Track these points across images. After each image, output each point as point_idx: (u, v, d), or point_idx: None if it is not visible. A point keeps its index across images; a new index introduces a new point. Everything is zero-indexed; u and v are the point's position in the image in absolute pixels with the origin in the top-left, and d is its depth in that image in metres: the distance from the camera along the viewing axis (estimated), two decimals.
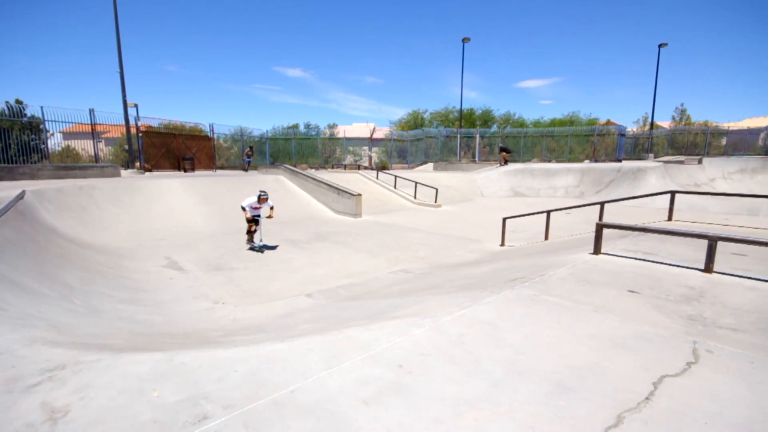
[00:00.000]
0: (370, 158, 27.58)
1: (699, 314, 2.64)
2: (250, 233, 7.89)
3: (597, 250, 4.24)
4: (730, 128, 29.09)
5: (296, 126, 31.05)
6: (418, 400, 1.71)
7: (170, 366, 2.00)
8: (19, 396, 1.71)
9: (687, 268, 3.67)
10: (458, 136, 27.20)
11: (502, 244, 8.67)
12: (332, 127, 31.33)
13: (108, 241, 8.18)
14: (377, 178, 17.37)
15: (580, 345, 2.23)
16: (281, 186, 14.25)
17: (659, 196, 8.11)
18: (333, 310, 4.33)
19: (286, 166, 15.77)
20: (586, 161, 23.72)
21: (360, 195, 12.51)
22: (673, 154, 24.71)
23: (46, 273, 4.30)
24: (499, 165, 20.74)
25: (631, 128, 31.75)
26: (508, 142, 26.27)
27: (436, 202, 14.86)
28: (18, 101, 14.31)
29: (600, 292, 3.13)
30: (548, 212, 8.17)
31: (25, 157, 13.09)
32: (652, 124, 27.55)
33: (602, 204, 7.36)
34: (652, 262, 3.91)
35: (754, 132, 27.48)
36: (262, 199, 7.58)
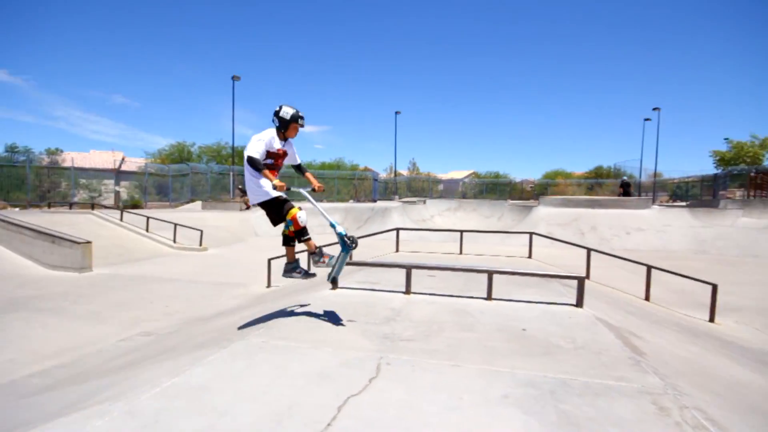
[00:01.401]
0: (117, 194, 22.62)
1: (392, 332, 3.27)
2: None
3: (335, 285, 4.75)
4: (443, 178, 40.03)
5: None
6: None
7: None
8: None
9: (396, 292, 4.58)
10: (231, 173, 26.07)
11: (269, 286, 8.58)
12: (54, 152, 24.07)
13: None
14: (122, 219, 14.29)
15: (290, 387, 2.32)
16: None
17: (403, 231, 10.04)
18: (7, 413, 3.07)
19: None
20: (351, 201, 27.19)
21: (89, 242, 9.91)
22: (410, 196, 31.70)
23: None
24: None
25: (383, 174, 39.08)
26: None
27: (201, 245, 13.44)
28: None
29: (326, 326, 3.46)
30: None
31: None
32: (395, 172, 34.87)
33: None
34: (373, 290, 4.68)
35: (456, 181, 38.72)
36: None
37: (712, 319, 6.28)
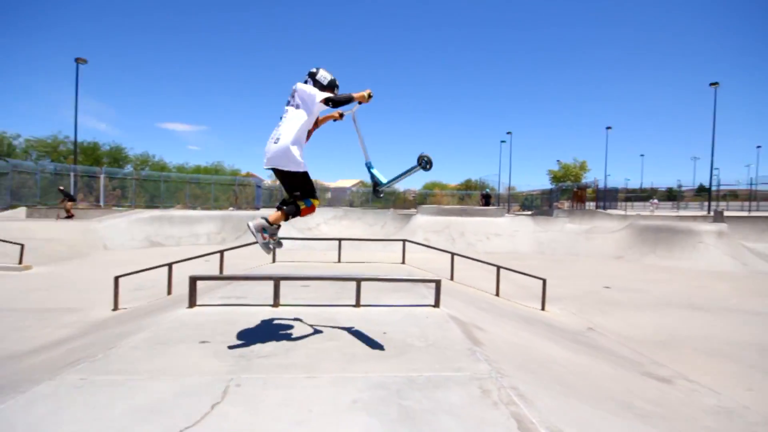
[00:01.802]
0: None
1: (250, 349, 3.06)
2: None
3: (192, 303, 4.27)
4: (331, 186, 40.17)
5: None
6: None
7: None
8: None
9: (263, 305, 4.34)
10: (72, 174, 21.60)
11: (115, 309, 7.29)
12: None
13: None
14: None
15: (107, 430, 1.96)
16: None
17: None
18: None
19: None
20: (231, 208, 25.18)
21: None
22: None
23: None
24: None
25: (268, 180, 37.25)
26: (148, 186, 23.69)
27: (21, 263, 10.71)
28: None
29: (172, 351, 3.07)
30: (170, 265, 7.70)
31: None
32: None
33: (222, 252, 7.82)
34: (239, 305, 4.36)
35: (344, 190, 39.28)
36: None
37: (543, 308, 7.59)
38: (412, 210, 27.22)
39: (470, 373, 2.66)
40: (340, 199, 37.10)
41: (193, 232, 18.45)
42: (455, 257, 8.81)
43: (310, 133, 3.27)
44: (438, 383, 2.51)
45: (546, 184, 42.32)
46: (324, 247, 13.92)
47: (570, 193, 32.21)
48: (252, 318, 3.92)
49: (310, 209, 3.20)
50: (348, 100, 3.05)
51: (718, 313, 7.82)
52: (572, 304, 8.41)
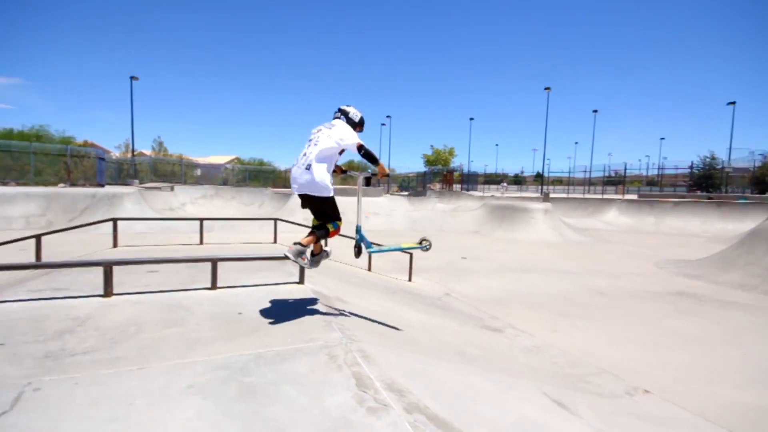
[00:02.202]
0: None
1: (61, 348, 2.55)
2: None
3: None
4: (201, 162, 35.96)
5: None
6: None
7: None
8: None
9: (90, 296, 3.66)
10: None
11: None
12: None
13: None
14: None
15: None
16: None
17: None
18: None
19: None
20: (61, 185, 20.52)
21: None
22: (156, 181, 26.87)
23: None
24: None
25: (115, 152, 31.33)
26: None
27: None
28: None
29: None
30: None
31: None
32: (133, 151, 28.59)
33: (38, 237, 6.25)
34: (54, 299, 3.58)
35: (217, 167, 35.64)
36: None
37: (410, 279, 8.27)
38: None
39: (322, 343, 2.72)
40: (213, 176, 33.62)
41: (4, 215, 14.41)
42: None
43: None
44: (286, 356, 2.50)
45: (422, 167, 45.83)
46: (190, 230, 12.49)
47: (441, 176, 35.57)
48: (71, 312, 3.27)
49: (337, 231, 3.47)
50: (374, 160, 3.22)
51: (542, 273, 9.70)
52: (436, 274, 9.37)
